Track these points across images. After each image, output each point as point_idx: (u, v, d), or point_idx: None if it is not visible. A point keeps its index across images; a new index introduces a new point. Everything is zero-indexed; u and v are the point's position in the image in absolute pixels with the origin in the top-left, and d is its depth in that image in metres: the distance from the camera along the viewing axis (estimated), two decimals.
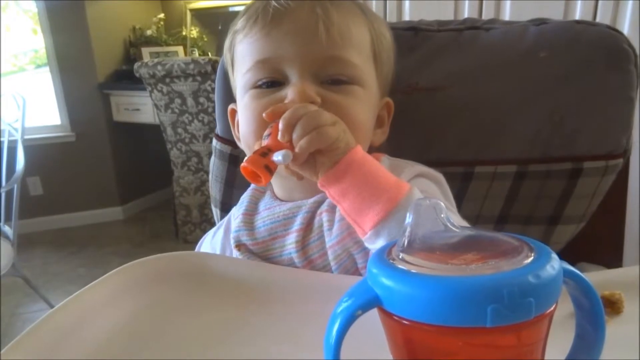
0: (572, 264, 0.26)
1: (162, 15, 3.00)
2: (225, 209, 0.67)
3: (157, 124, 2.46)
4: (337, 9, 0.48)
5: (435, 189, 0.52)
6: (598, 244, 0.65)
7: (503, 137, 0.61)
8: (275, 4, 0.48)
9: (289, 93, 0.46)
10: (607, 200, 0.61)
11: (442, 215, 0.28)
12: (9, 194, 1.66)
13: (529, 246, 0.25)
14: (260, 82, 0.49)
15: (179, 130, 2.38)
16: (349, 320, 0.24)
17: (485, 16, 1.64)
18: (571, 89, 0.59)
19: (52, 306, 1.82)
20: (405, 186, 0.41)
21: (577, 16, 1.48)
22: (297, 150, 0.40)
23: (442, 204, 0.28)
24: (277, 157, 0.40)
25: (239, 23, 0.51)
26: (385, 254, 0.27)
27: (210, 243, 0.60)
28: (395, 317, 0.24)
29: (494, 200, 0.63)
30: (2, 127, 1.78)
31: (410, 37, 0.63)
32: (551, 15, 0.64)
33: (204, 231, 2.57)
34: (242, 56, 0.51)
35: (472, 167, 0.61)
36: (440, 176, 0.54)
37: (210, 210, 2.71)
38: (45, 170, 2.71)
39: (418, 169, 0.53)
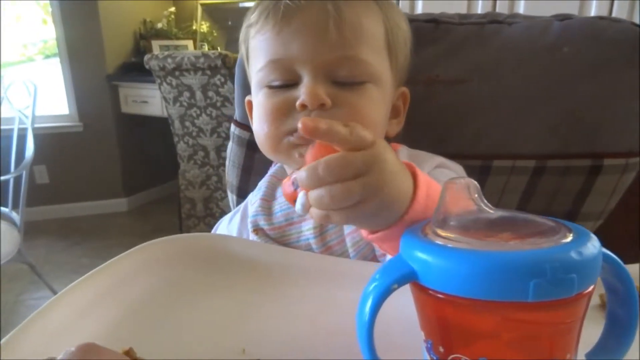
0: None
1: (173, 9, 3.00)
2: (242, 195, 0.67)
3: (165, 116, 2.46)
4: (349, 4, 0.47)
5: None
6: (615, 241, 0.65)
7: (522, 132, 0.60)
8: (287, 1, 0.47)
9: (301, 95, 0.45)
10: (626, 198, 0.60)
11: (476, 196, 0.28)
12: (17, 181, 1.66)
13: (566, 227, 0.25)
14: (273, 84, 0.49)
15: (187, 123, 2.38)
16: (384, 294, 0.24)
17: None
18: (592, 85, 0.58)
19: (56, 294, 1.82)
20: None
21: (593, 14, 1.47)
22: (331, 220, 0.31)
23: (476, 183, 0.28)
24: (297, 206, 0.32)
25: (252, 17, 0.51)
26: (419, 230, 0.27)
27: (227, 228, 0.60)
28: (431, 292, 0.24)
29: (510, 195, 0.62)
30: (11, 115, 1.79)
31: (431, 29, 0.63)
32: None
33: (208, 225, 2.54)
34: (255, 53, 0.51)
35: (490, 160, 0.61)
36: (460, 167, 0.54)
37: (215, 204, 2.69)
38: (52, 159, 2.72)
39: (438, 160, 0.53)
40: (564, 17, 0.60)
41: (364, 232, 0.34)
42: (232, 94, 2.16)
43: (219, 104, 2.25)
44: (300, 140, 0.46)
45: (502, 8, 1.91)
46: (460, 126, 0.61)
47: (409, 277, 0.24)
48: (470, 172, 0.57)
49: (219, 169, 2.45)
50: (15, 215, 1.67)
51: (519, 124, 0.60)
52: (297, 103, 0.45)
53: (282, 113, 0.47)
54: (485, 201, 0.28)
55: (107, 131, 2.83)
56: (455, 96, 0.61)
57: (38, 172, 2.73)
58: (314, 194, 0.30)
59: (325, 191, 0.29)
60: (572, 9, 1.66)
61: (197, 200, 2.53)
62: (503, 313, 0.22)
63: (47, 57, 3.04)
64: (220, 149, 2.39)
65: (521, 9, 1.85)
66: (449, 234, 0.25)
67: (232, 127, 0.68)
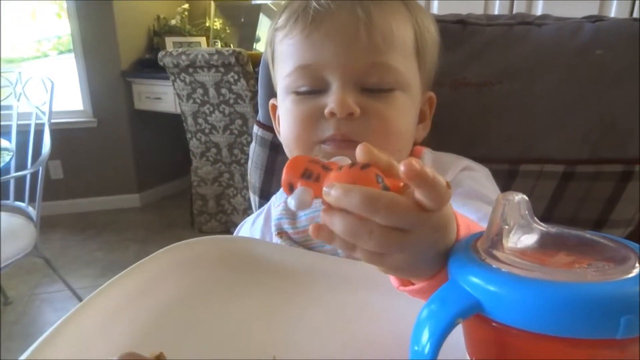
0: None
1: (186, 6, 3.01)
2: (265, 197, 0.67)
3: (178, 113, 2.47)
4: (379, 8, 0.47)
5: (484, 180, 0.51)
6: None
7: (551, 136, 0.59)
8: (316, 5, 0.46)
9: (329, 102, 0.45)
10: None
11: (526, 212, 0.27)
12: (33, 176, 1.68)
13: (631, 249, 0.23)
14: (301, 90, 0.48)
15: (200, 120, 2.38)
16: (447, 329, 0.22)
17: None
18: (625, 89, 0.57)
19: (70, 288, 1.84)
20: None
21: (613, 13, 1.45)
22: (356, 254, 0.29)
23: (527, 199, 0.27)
24: (291, 201, 0.27)
25: (280, 21, 0.50)
26: (470, 250, 0.25)
27: (250, 230, 0.60)
28: (498, 325, 0.22)
29: (538, 201, 0.61)
30: (28, 110, 1.80)
31: (458, 30, 0.62)
32: (584, 14, 0.62)
33: (220, 222, 2.53)
34: (283, 57, 0.50)
35: (517, 165, 0.60)
36: (486, 170, 0.54)
37: (227, 201, 2.68)
38: (66, 154, 2.74)
39: (464, 163, 0.52)
40: (595, 19, 0.59)
41: (394, 282, 0.32)
42: (245, 91, 2.17)
43: (232, 101, 2.25)
44: (334, 148, 0.46)
45: (519, 7, 1.88)
46: (487, 130, 0.60)
47: (474, 309, 0.22)
48: (497, 176, 0.56)
49: (231, 166, 2.45)
50: (31, 210, 1.69)
51: (548, 128, 0.59)
52: (326, 111, 0.45)
53: (311, 121, 0.47)
54: (535, 218, 0.27)
55: (121, 127, 2.85)
56: (483, 99, 0.60)
57: (52, 167, 2.75)
58: (340, 218, 0.25)
59: (347, 221, 0.25)
60: (591, 8, 1.63)
61: (209, 197, 2.54)
62: (588, 351, 0.21)
63: (61, 52, 3.06)
64: (233, 146, 2.39)
65: (539, 7, 1.82)
66: (508, 257, 0.23)
67: (255, 128, 0.68)
